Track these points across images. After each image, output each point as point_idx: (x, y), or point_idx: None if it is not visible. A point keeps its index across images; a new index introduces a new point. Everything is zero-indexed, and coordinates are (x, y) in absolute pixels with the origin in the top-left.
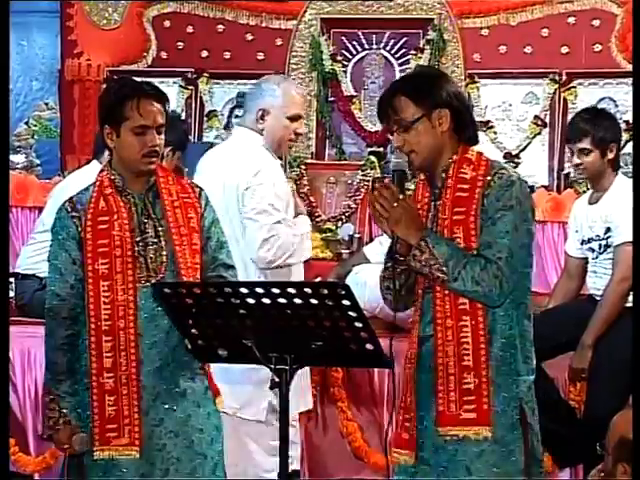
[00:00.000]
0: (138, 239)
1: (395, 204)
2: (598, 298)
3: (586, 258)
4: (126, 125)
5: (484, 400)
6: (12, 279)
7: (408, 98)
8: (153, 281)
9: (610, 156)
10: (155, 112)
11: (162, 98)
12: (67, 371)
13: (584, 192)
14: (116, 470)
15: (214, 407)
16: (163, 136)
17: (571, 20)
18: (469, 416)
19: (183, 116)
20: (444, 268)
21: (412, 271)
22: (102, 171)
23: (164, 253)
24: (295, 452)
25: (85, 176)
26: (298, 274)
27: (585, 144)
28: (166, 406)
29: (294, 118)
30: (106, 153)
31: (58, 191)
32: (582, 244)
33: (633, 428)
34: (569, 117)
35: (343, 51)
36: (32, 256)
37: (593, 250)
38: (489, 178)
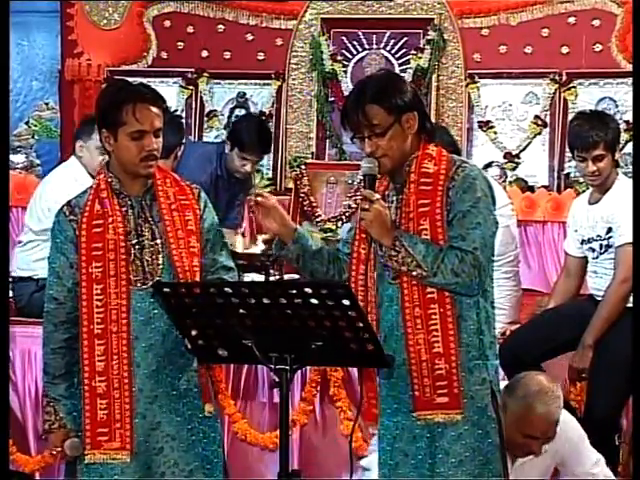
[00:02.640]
0: (134, 242)
1: (367, 206)
2: (599, 298)
3: (586, 257)
4: (123, 130)
5: (455, 385)
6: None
7: (379, 106)
8: (149, 284)
9: (616, 157)
10: (152, 116)
11: (159, 101)
12: (64, 374)
13: (584, 192)
14: (111, 473)
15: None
16: (161, 139)
17: (571, 20)
18: (442, 400)
19: (183, 116)
20: (422, 264)
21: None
22: (100, 174)
23: (161, 256)
24: None
25: (62, 175)
26: None
27: (599, 151)
28: (163, 409)
29: None
30: (77, 145)
31: (39, 192)
32: (582, 244)
33: (633, 427)
34: (569, 117)
35: (343, 51)
36: (25, 258)
37: (594, 250)
38: (451, 172)
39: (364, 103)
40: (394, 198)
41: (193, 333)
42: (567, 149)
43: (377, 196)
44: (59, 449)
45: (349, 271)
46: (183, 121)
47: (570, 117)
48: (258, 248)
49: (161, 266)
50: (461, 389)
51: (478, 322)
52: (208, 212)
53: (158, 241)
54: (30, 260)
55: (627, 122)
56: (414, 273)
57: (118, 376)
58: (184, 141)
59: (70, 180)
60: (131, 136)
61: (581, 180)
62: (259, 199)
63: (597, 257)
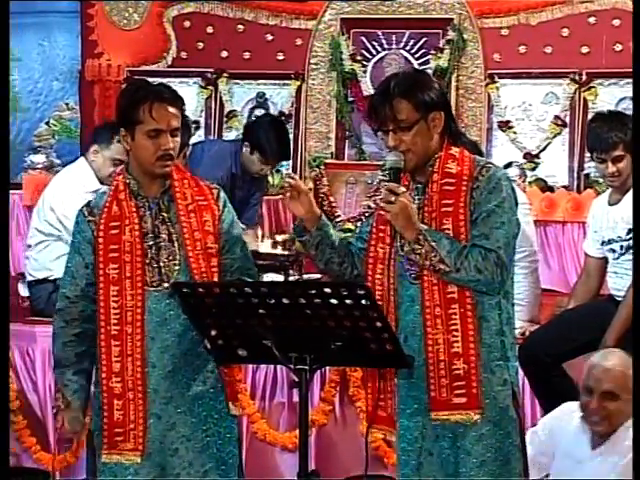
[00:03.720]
0: (151, 243)
1: (392, 199)
2: (619, 298)
3: (606, 258)
4: (140, 128)
5: (473, 385)
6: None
7: (407, 101)
8: (165, 285)
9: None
10: (169, 116)
11: (177, 101)
12: (74, 363)
13: (604, 192)
14: (125, 474)
15: (228, 410)
16: (178, 139)
17: (591, 20)
18: (459, 400)
19: (203, 116)
20: (446, 259)
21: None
22: (119, 175)
23: (177, 257)
24: None
25: (68, 176)
26: None
27: (619, 151)
28: (179, 410)
29: None
30: (91, 149)
31: (45, 192)
32: (602, 245)
33: (633, 427)
34: (589, 117)
35: (363, 51)
36: (38, 260)
37: (614, 251)
38: (475, 173)
39: (392, 97)
40: (415, 197)
41: (212, 333)
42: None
43: (402, 189)
44: (60, 425)
45: (365, 270)
46: (191, 120)
47: (590, 119)
48: (277, 249)
49: (177, 267)
50: (481, 389)
51: (500, 323)
52: (227, 212)
53: (175, 243)
54: (45, 261)
55: None
56: (437, 268)
57: (132, 377)
58: (191, 141)
59: (76, 182)
60: (148, 134)
61: (601, 180)
62: (292, 181)
63: (617, 258)
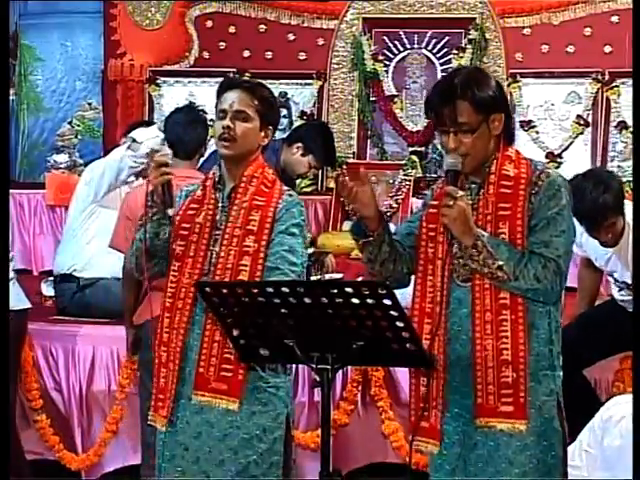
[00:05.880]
0: (213, 232)
1: (450, 203)
2: (622, 304)
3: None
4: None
5: (521, 394)
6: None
7: (470, 104)
8: (210, 276)
9: None
10: (233, 98)
11: (250, 88)
12: None
13: (627, 192)
14: (159, 442)
15: (259, 407)
16: (246, 124)
17: (614, 19)
18: (506, 409)
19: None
20: (505, 267)
21: (385, 245)
22: (219, 166)
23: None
24: None
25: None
26: None
27: (611, 219)
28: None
29: None
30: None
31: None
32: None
33: (633, 427)
34: (612, 116)
35: (385, 51)
36: (67, 256)
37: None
38: (534, 177)
39: (455, 98)
40: (469, 199)
41: (235, 332)
42: (609, 148)
43: (461, 193)
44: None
45: (416, 270)
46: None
47: (613, 116)
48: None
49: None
50: (528, 399)
51: (549, 331)
52: (287, 216)
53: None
54: (74, 257)
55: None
56: (494, 275)
57: (174, 349)
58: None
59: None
60: (217, 116)
61: (624, 179)
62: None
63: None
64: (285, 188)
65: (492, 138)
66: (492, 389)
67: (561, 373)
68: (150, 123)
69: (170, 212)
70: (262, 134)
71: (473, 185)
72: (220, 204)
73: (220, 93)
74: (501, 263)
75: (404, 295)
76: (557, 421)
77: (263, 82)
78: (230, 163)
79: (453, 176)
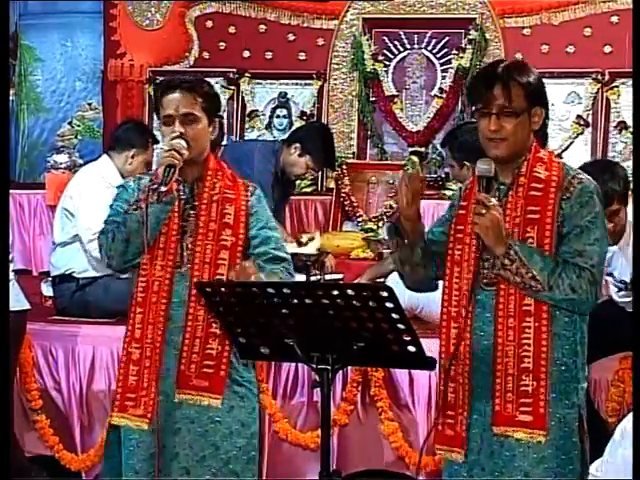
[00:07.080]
0: (180, 224)
1: (483, 211)
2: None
3: None
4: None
5: (541, 404)
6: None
7: (521, 87)
8: (184, 269)
9: None
10: (177, 101)
11: (190, 87)
12: None
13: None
14: (127, 445)
15: (237, 401)
16: (196, 125)
17: (614, 19)
18: (525, 418)
19: (224, 116)
20: (539, 277)
21: (418, 247)
22: None
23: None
24: None
25: (91, 170)
26: None
27: (615, 205)
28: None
29: None
30: (130, 153)
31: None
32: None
33: (633, 427)
34: (612, 117)
35: (384, 51)
36: (65, 257)
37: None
38: (565, 182)
39: (508, 78)
40: (496, 200)
41: (235, 329)
42: (609, 148)
43: (494, 201)
44: None
45: (443, 273)
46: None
47: (613, 116)
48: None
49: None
50: (549, 410)
51: (574, 342)
52: (262, 211)
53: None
54: (71, 258)
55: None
56: (527, 285)
57: (151, 345)
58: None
59: (97, 177)
60: (163, 121)
61: None
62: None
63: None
64: (245, 180)
65: (530, 133)
66: (511, 397)
67: (585, 385)
68: (141, 124)
69: (163, 188)
70: (210, 129)
71: (502, 186)
72: (184, 196)
73: (160, 96)
74: (535, 273)
75: (404, 295)
76: (577, 435)
77: (202, 76)
78: (186, 163)
79: (485, 182)
